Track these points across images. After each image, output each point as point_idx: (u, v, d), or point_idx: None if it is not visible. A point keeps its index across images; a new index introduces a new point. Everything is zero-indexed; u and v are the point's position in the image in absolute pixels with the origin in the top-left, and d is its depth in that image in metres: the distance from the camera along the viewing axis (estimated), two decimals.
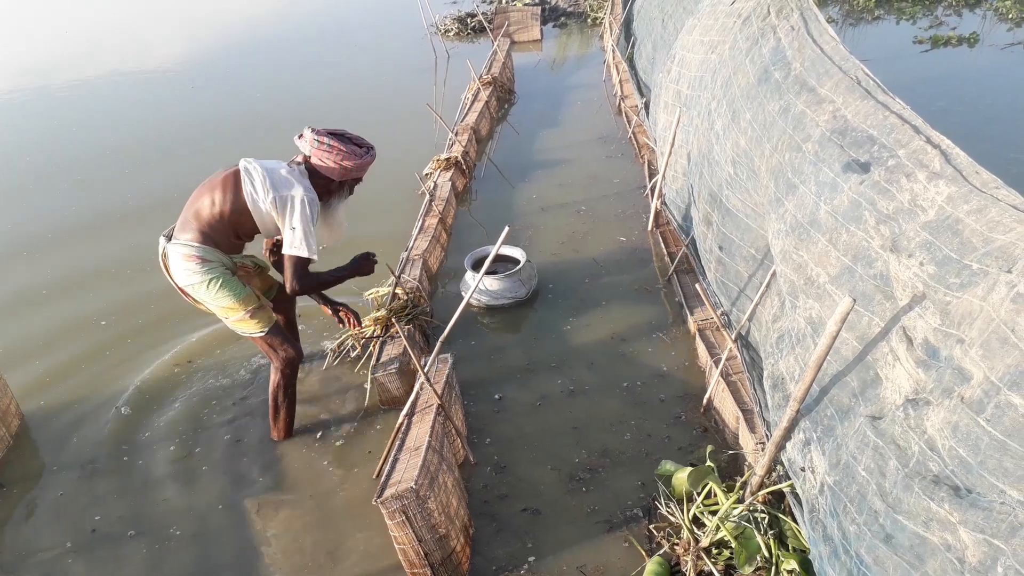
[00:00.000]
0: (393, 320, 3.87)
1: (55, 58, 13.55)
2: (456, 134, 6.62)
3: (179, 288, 3.16)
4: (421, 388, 3.02)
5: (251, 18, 15.95)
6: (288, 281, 3.15)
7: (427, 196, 5.36)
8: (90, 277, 5.29)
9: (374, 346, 3.80)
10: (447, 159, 6.03)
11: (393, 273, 4.15)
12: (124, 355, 4.31)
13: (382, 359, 3.59)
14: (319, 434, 3.53)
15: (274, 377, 3.36)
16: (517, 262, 4.44)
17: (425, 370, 2.94)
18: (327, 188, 3.21)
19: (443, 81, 9.62)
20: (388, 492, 2.44)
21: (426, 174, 5.98)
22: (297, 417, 3.55)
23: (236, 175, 3.08)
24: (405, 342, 3.44)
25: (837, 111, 2.33)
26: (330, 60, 11.27)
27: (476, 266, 4.41)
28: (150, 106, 9.73)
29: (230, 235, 3.14)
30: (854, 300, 1.81)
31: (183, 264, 3.05)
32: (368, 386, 3.66)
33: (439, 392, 2.97)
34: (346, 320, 3.74)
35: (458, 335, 4.11)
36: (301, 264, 3.13)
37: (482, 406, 3.59)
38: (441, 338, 2.97)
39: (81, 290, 5.13)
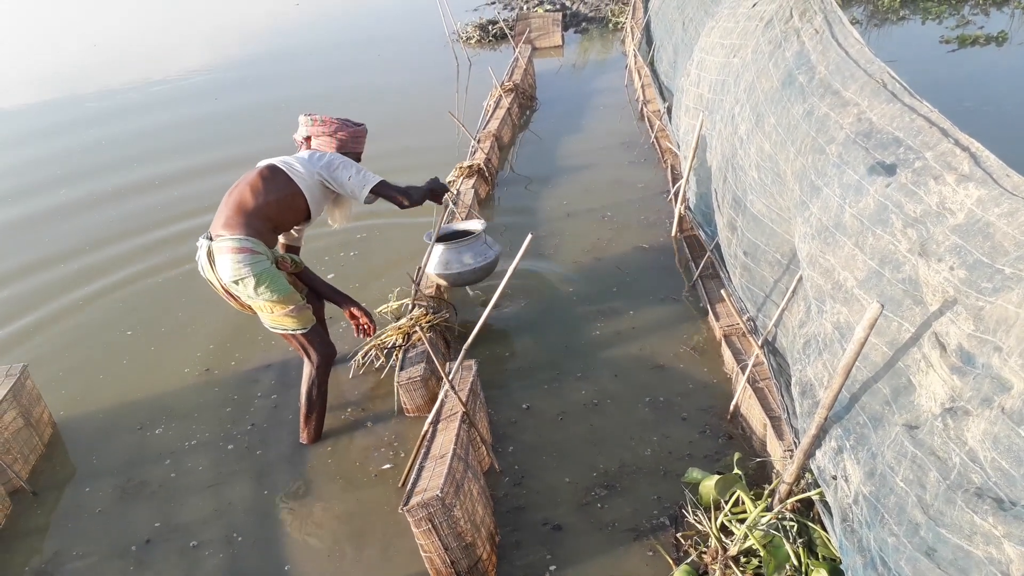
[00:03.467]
0: (416, 328, 3.88)
1: (84, 69, 13.85)
2: (478, 141, 6.64)
3: (222, 287, 3.20)
4: (446, 396, 3.02)
5: (274, 29, 16.16)
6: (399, 204, 3.53)
7: (449, 204, 5.38)
8: (115, 287, 5.38)
9: (397, 354, 3.81)
10: (470, 166, 6.05)
11: (413, 280, 4.17)
12: (148, 364, 4.41)
13: (406, 367, 3.61)
14: (346, 442, 3.55)
15: (309, 373, 3.43)
16: (478, 235, 4.26)
17: (450, 377, 2.94)
18: None
19: (465, 88, 9.66)
20: (414, 500, 2.45)
21: (448, 181, 6.00)
22: (325, 426, 3.60)
23: (273, 168, 3.32)
24: (428, 350, 3.46)
25: (862, 114, 2.30)
26: (352, 69, 11.37)
27: (439, 240, 4.28)
28: (175, 114, 9.90)
29: (271, 227, 3.29)
30: (882, 305, 1.79)
31: (233, 257, 3.08)
32: (394, 395, 3.67)
33: (464, 399, 2.97)
34: (366, 329, 3.73)
35: (482, 342, 4.10)
36: (381, 188, 3.44)
37: (506, 414, 3.59)
38: (465, 345, 2.97)
39: (105, 299, 5.23)
